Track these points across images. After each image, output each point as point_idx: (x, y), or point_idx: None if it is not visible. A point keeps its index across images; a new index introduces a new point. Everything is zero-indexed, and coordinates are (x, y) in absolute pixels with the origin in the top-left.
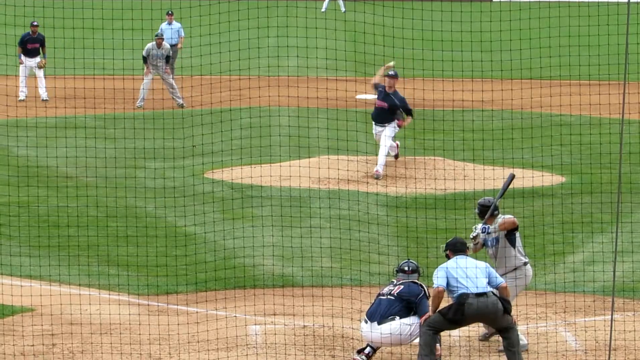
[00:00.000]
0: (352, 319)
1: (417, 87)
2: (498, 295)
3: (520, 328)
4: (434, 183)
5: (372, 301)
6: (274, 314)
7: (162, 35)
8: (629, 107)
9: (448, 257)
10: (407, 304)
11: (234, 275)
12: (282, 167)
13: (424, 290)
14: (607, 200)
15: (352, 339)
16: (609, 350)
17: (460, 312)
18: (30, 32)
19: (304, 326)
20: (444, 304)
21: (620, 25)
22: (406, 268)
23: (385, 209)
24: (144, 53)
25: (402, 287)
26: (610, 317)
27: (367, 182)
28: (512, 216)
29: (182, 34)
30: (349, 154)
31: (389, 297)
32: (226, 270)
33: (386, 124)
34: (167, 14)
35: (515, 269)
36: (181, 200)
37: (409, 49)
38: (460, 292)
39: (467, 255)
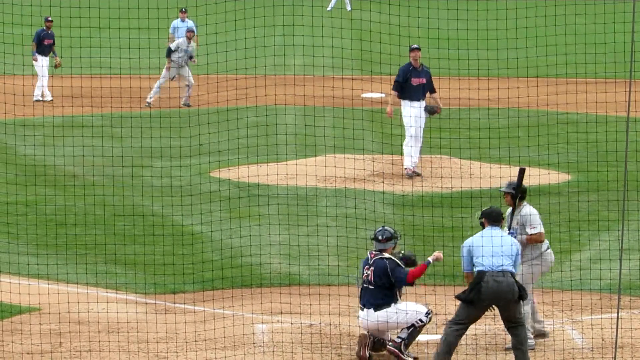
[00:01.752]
0: (358, 317)
1: None
2: (515, 278)
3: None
4: (440, 182)
5: (360, 287)
6: (280, 313)
7: (193, 29)
8: (635, 105)
9: (483, 226)
10: (386, 285)
11: (240, 274)
12: (288, 166)
13: (389, 265)
14: (613, 198)
15: (358, 337)
16: (615, 348)
17: (477, 290)
18: (45, 28)
19: (310, 325)
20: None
21: (626, 23)
22: (380, 237)
23: (392, 208)
24: (172, 47)
25: (373, 269)
26: (616, 315)
27: (373, 181)
28: (541, 230)
29: (195, 32)
30: (354, 152)
31: (369, 287)
32: (232, 269)
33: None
34: (181, 11)
35: (540, 254)
36: (187, 199)
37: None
38: (479, 269)
39: (500, 227)
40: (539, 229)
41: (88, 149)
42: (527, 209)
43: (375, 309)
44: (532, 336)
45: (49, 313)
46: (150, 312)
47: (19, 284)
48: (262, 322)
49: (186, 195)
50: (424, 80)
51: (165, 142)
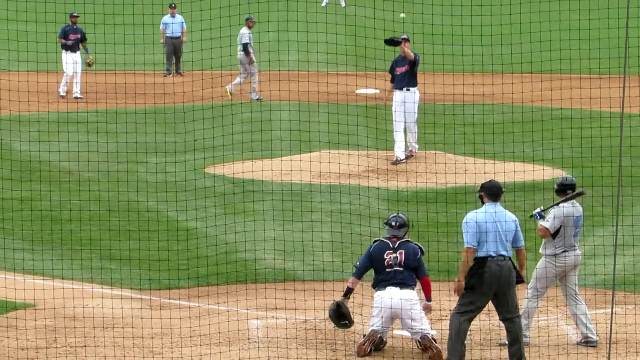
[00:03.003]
0: (353, 313)
1: (418, 81)
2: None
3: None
4: (435, 177)
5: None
6: (275, 309)
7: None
8: (629, 101)
9: (482, 200)
10: (413, 267)
11: (235, 269)
12: (283, 162)
13: (420, 249)
14: (607, 193)
15: (353, 332)
16: (609, 343)
17: (480, 275)
18: (70, 23)
19: (305, 321)
20: None
21: (620, 18)
22: (393, 223)
23: (386, 203)
24: (245, 40)
25: (403, 252)
26: (610, 310)
27: (368, 177)
28: (546, 226)
29: (185, 27)
30: (349, 148)
31: (397, 268)
32: (227, 264)
33: (410, 88)
34: (170, 6)
35: (554, 255)
36: (181, 195)
37: (410, 43)
38: (480, 254)
39: (499, 203)
40: (547, 224)
41: (83, 144)
42: (560, 206)
43: (402, 288)
44: (527, 333)
45: (44, 309)
46: (145, 307)
47: (14, 279)
48: (257, 318)
49: (181, 191)
50: (405, 69)
51: (160, 138)
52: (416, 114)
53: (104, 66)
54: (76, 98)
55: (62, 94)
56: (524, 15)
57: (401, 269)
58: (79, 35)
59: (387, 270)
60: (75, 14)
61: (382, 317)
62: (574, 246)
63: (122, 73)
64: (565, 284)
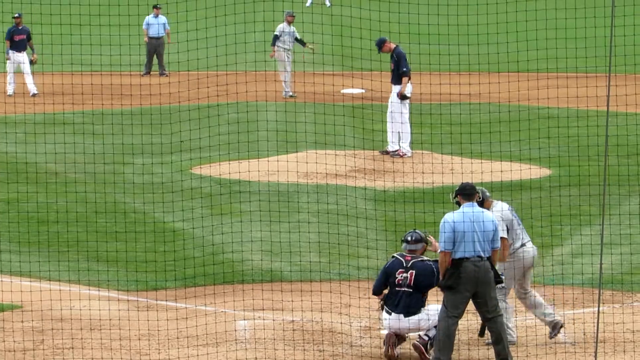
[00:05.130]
0: (340, 313)
1: (402, 80)
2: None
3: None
4: (421, 177)
5: (389, 290)
6: (262, 309)
7: (294, 14)
8: (616, 100)
9: (459, 204)
10: (426, 287)
11: (222, 270)
12: (269, 162)
13: (435, 268)
14: (593, 192)
15: (341, 333)
16: (596, 342)
17: (456, 276)
18: (15, 24)
19: (292, 321)
20: None
21: (605, 17)
22: (409, 238)
23: (373, 203)
24: (276, 32)
25: (414, 271)
26: (597, 309)
27: (354, 177)
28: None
29: (168, 28)
30: (335, 148)
31: (406, 289)
32: (213, 265)
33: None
34: (155, 7)
35: (513, 252)
36: (168, 196)
37: (395, 42)
38: (457, 255)
39: (475, 204)
40: (504, 235)
41: (69, 146)
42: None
43: (406, 315)
44: (512, 333)
45: (31, 310)
46: (131, 309)
47: (1, 281)
48: (244, 319)
49: (167, 192)
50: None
51: (145, 139)
52: (392, 113)
53: (90, 67)
54: (33, 95)
55: (9, 93)
56: (510, 14)
57: (410, 290)
58: (23, 36)
59: (396, 288)
60: (17, 15)
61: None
62: (529, 239)
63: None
64: (520, 283)
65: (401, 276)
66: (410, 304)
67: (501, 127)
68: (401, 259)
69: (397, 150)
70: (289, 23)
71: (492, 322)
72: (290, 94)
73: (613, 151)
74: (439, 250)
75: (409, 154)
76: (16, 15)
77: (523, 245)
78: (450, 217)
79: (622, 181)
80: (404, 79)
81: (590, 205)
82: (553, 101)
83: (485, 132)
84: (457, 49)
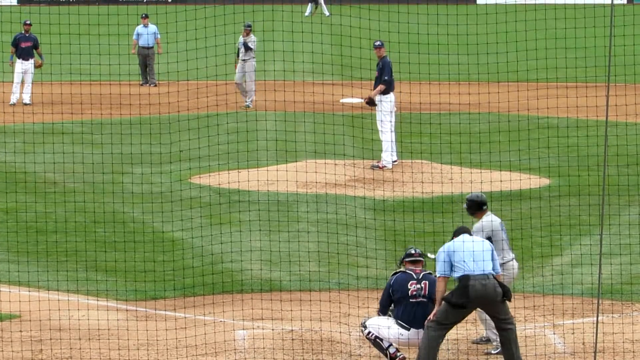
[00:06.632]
0: (339, 323)
1: (403, 90)
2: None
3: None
4: (420, 186)
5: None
6: (261, 319)
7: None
8: (616, 109)
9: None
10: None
11: (221, 280)
12: (268, 172)
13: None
14: (593, 202)
15: (339, 342)
16: (595, 352)
17: (465, 294)
18: (23, 31)
19: (291, 331)
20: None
21: (605, 27)
22: (413, 251)
23: (372, 213)
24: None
25: (427, 282)
26: (596, 318)
27: (354, 186)
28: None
29: (158, 36)
30: (334, 158)
31: (421, 300)
32: (212, 275)
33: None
34: (142, 17)
35: (502, 264)
36: (167, 206)
37: (394, 52)
38: (463, 273)
39: (470, 235)
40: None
41: (67, 155)
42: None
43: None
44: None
45: (29, 320)
46: (130, 318)
47: None
48: (243, 328)
49: (166, 201)
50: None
51: (144, 149)
52: (381, 121)
53: (89, 77)
54: (25, 104)
55: (12, 102)
56: (509, 24)
57: (425, 300)
58: (30, 44)
59: (410, 300)
60: (28, 22)
61: (398, 344)
62: (513, 256)
63: (107, 83)
64: None
65: (415, 287)
66: (425, 314)
67: (501, 136)
68: (410, 272)
69: (379, 162)
70: (246, 34)
71: (503, 329)
72: (247, 104)
73: (612, 161)
74: (437, 274)
75: (389, 166)
76: (27, 22)
77: (513, 259)
78: (448, 246)
79: (621, 191)
80: (380, 86)
81: (590, 215)
82: (552, 111)
83: (485, 141)
84: (457, 59)
